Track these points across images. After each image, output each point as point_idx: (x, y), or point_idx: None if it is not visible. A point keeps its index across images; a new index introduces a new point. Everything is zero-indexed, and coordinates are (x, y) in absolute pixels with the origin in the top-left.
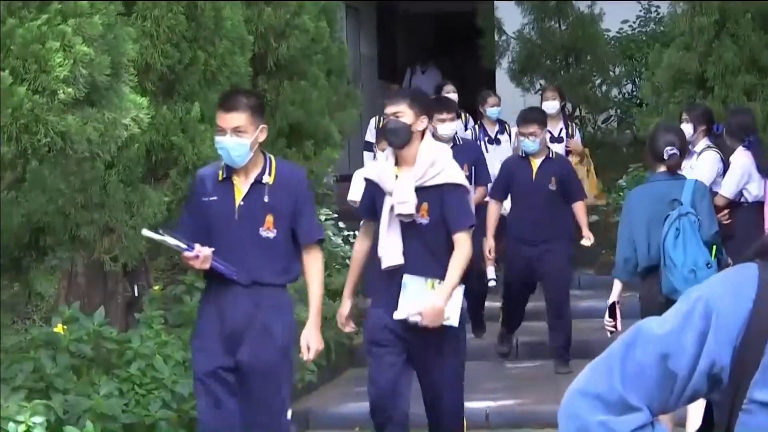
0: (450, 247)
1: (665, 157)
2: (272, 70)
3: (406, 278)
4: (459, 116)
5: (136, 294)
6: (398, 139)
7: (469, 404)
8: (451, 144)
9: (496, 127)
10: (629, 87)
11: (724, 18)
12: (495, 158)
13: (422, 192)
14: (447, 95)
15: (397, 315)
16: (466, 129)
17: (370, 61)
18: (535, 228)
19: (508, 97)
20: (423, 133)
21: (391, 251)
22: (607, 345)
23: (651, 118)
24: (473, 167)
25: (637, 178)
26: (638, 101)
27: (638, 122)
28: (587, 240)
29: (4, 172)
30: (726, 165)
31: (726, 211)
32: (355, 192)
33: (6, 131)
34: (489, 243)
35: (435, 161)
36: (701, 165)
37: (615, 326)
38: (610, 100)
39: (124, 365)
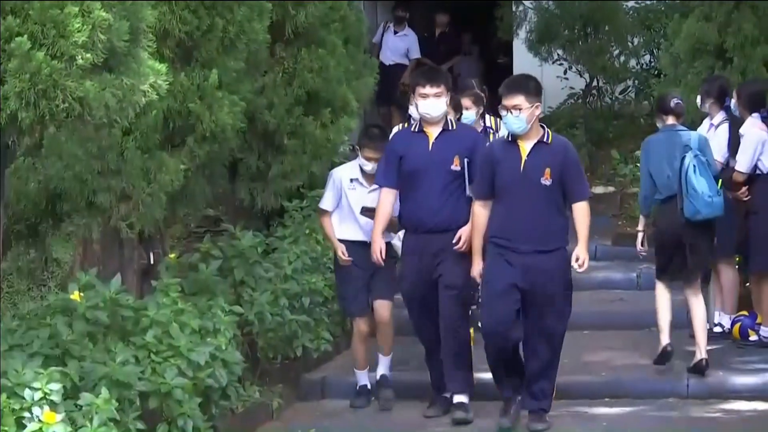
0: None
1: (672, 105)
2: (290, 37)
3: None
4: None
5: (152, 261)
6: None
7: (479, 375)
8: (440, 129)
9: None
10: (647, 58)
11: None
12: None
13: None
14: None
15: None
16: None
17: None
18: (522, 235)
19: (526, 67)
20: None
21: None
22: (622, 316)
23: (669, 88)
24: (467, 159)
25: None
26: (656, 72)
27: (656, 93)
28: (577, 261)
29: (21, 138)
30: (735, 136)
31: (745, 188)
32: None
33: (24, 97)
34: (476, 266)
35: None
36: (718, 139)
37: (645, 251)
38: (628, 70)
39: (139, 333)
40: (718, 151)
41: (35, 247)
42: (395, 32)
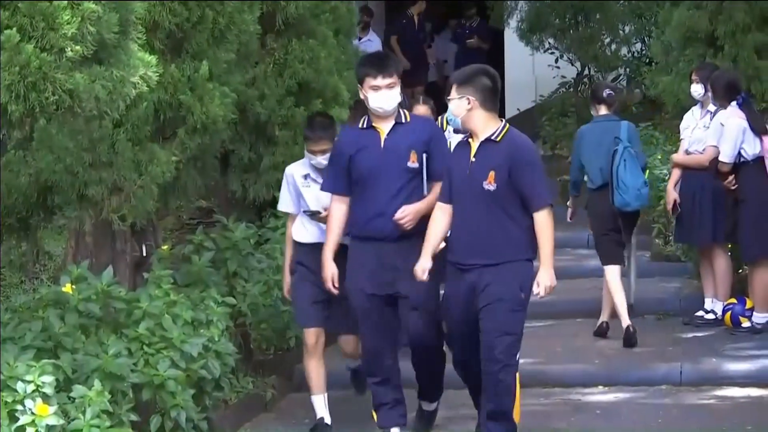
0: None
1: (604, 96)
2: (281, 28)
3: None
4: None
5: (145, 253)
6: None
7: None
8: (392, 122)
9: None
10: (639, 46)
11: None
12: None
13: None
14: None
15: None
16: None
17: (378, 20)
18: (467, 247)
19: (517, 57)
20: None
21: None
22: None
23: (661, 76)
24: (425, 154)
25: (646, 136)
26: (648, 60)
27: (648, 81)
28: (537, 286)
29: (11, 131)
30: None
31: (731, 177)
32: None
33: (14, 89)
34: (422, 260)
35: None
36: (716, 124)
37: (572, 217)
38: (620, 59)
39: (132, 325)
40: (717, 139)
41: (27, 240)
42: (359, 38)
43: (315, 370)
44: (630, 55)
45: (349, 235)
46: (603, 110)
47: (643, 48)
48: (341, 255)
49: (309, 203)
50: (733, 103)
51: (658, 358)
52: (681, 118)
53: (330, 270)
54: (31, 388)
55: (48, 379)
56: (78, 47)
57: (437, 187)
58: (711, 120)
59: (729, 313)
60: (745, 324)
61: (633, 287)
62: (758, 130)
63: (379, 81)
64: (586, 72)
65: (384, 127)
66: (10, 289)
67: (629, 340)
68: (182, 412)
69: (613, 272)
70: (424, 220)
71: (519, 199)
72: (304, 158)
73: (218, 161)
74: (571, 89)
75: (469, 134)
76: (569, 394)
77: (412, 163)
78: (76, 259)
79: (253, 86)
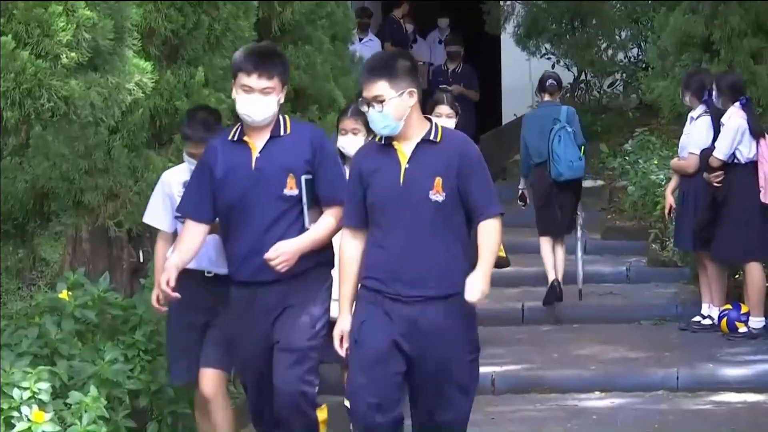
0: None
1: (547, 85)
2: (277, 34)
3: None
4: None
5: (141, 260)
6: None
7: None
8: (268, 135)
9: None
10: (635, 51)
11: None
12: None
13: None
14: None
15: None
16: None
17: (375, 23)
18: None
19: (514, 62)
20: None
21: None
22: (612, 310)
23: (657, 81)
24: (305, 176)
25: (642, 142)
26: (644, 65)
27: (644, 86)
28: (471, 292)
29: (7, 138)
30: (717, 128)
31: (719, 173)
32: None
33: (9, 96)
34: (341, 321)
35: None
36: (696, 131)
37: (524, 205)
38: (616, 64)
39: (129, 331)
40: (696, 143)
41: (24, 247)
42: (360, 39)
43: None
44: (626, 60)
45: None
46: (546, 97)
47: (640, 53)
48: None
49: None
50: (737, 103)
51: (654, 364)
52: (677, 123)
53: (165, 278)
54: (27, 394)
55: (44, 385)
56: (73, 54)
57: (329, 216)
58: (690, 125)
59: (725, 320)
60: (742, 329)
61: (580, 266)
62: (756, 133)
63: (253, 81)
64: (582, 77)
65: (257, 142)
66: (7, 295)
67: (551, 292)
68: (179, 419)
69: (544, 242)
70: (312, 255)
71: (463, 212)
72: (184, 162)
73: None
74: (568, 94)
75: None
76: (566, 399)
77: (290, 190)
78: (73, 265)
79: None
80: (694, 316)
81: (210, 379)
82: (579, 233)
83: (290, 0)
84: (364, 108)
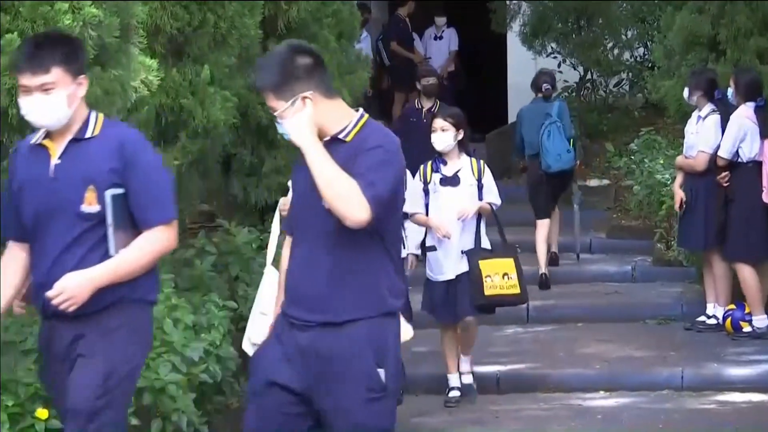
0: None
1: (543, 90)
2: (283, 32)
3: None
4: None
5: None
6: None
7: (479, 369)
8: (69, 137)
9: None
10: (641, 50)
11: None
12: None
13: None
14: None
15: None
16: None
17: (378, 24)
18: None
19: (519, 61)
20: None
21: None
22: (617, 309)
23: (663, 81)
24: (113, 190)
25: (648, 141)
26: (650, 64)
27: (650, 86)
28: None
29: (13, 135)
30: (725, 127)
31: (726, 174)
32: None
33: (15, 94)
34: None
35: None
36: (705, 130)
37: (523, 170)
38: (622, 63)
39: None
40: (706, 142)
41: None
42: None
43: None
44: (632, 59)
45: None
46: (540, 95)
47: (646, 52)
48: None
49: None
50: (750, 102)
51: (659, 363)
52: (683, 123)
53: None
54: (31, 391)
55: None
56: None
57: (145, 239)
58: (698, 124)
59: (729, 320)
60: (746, 329)
61: (578, 234)
62: (765, 134)
63: (27, 79)
64: (588, 76)
65: (57, 145)
66: None
67: (544, 284)
68: (183, 416)
69: (541, 224)
70: (119, 288)
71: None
72: None
73: (220, 165)
74: (574, 94)
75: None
76: (570, 398)
77: (89, 206)
78: None
79: (254, 90)
80: (699, 316)
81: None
82: (576, 208)
83: None
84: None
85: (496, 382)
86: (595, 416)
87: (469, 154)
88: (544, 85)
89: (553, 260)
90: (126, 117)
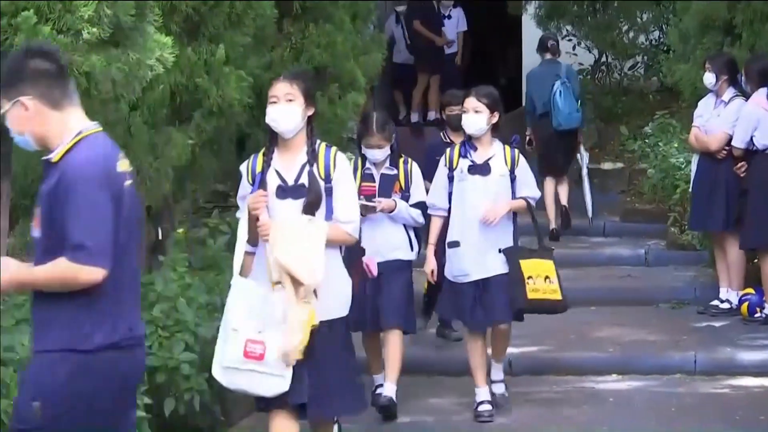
0: None
1: (548, 45)
2: (298, 13)
3: None
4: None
5: (160, 236)
6: None
7: (491, 350)
8: None
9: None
10: (656, 33)
11: None
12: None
13: None
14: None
15: None
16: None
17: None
18: None
19: (535, 44)
20: None
21: None
22: (630, 292)
23: (678, 65)
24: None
25: (663, 125)
26: (665, 48)
27: (665, 69)
28: None
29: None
30: None
31: (742, 164)
32: None
33: None
34: None
35: None
36: (728, 113)
37: (532, 148)
38: (637, 46)
39: (147, 307)
40: (727, 123)
41: None
42: None
43: None
44: (648, 42)
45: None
46: (548, 56)
47: (661, 36)
48: None
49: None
50: (762, 89)
51: (672, 347)
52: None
53: None
54: None
55: None
56: (95, 29)
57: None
58: (724, 109)
59: (746, 304)
60: (758, 315)
61: (588, 198)
62: None
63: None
64: (603, 59)
65: None
66: None
67: (554, 237)
68: (196, 395)
69: (547, 184)
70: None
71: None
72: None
73: (234, 145)
74: (589, 76)
75: None
76: (582, 382)
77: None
78: None
79: (269, 70)
80: (712, 300)
81: None
82: (584, 171)
83: None
84: None
85: (508, 364)
86: (607, 399)
87: (503, 141)
88: (550, 41)
89: (564, 215)
90: (141, 95)
